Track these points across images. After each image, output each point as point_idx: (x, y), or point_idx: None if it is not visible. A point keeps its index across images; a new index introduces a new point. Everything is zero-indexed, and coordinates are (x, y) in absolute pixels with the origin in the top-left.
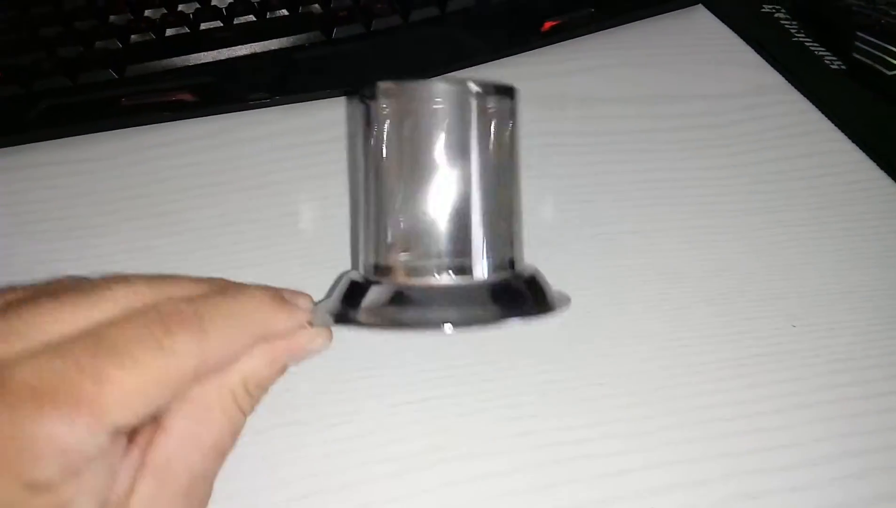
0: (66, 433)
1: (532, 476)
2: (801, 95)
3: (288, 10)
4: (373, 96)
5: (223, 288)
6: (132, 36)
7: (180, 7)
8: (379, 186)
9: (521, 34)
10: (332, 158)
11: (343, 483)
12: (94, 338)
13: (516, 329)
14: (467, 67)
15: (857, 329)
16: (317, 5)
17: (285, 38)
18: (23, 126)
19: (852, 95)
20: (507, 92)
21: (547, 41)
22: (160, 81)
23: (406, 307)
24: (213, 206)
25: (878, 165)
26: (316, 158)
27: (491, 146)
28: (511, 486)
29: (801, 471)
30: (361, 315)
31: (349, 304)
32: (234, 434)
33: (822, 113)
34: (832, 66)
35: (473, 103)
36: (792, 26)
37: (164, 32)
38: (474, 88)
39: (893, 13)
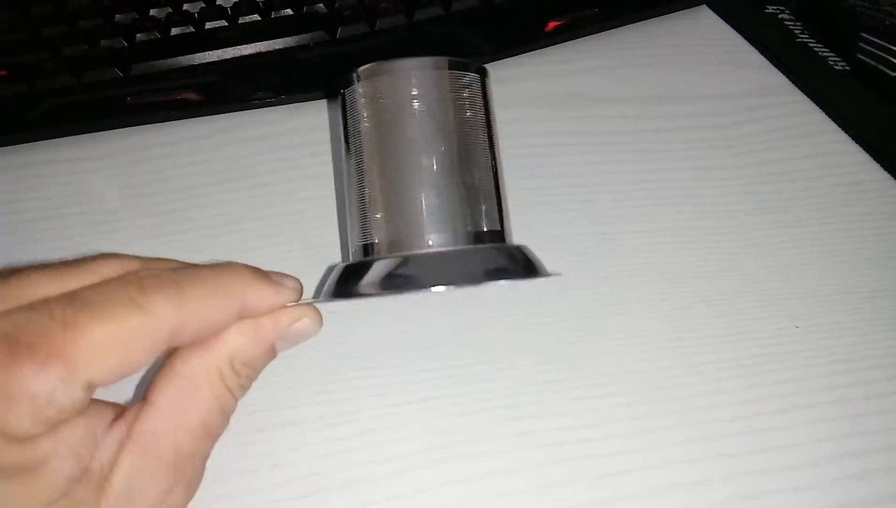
0: (39, 382)
1: (532, 476)
2: (805, 96)
3: (292, 10)
4: (348, 83)
5: (208, 265)
6: (137, 35)
7: (185, 6)
8: (360, 170)
9: (525, 34)
10: (336, 157)
11: (343, 482)
12: (71, 295)
13: (505, 290)
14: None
15: (859, 330)
16: (321, 5)
17: (290, 38)
18: (27, 125)
19: (856, 96)
20: (477, 70)
21: (551, 41)
22: (165, 80)
23: (396, 276)
24: (218, 204)
25: (882, 165)
26: (320, 158)
27: (465, 122)
28: (511, 486)
29: (802, 472)
30: (353, 289)
31: (341, 284)
32: (223, 413)
33: (826, 114)
34: (836, 66)
35: (445, 79)
36: (796, 27)
37: (170, 31)
38: (444, 63)
39: None
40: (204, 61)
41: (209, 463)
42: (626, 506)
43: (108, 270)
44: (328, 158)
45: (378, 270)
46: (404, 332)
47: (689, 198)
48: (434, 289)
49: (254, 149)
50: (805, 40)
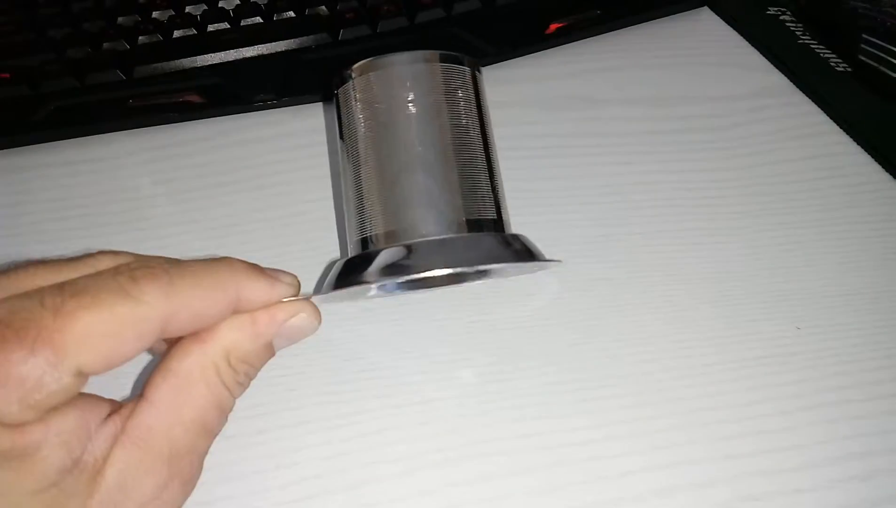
0: (27, 366)
1: (535, 478)
2: (806, 97)
3: (295, 12)
4: (341, 81)
5: (203, 259)
6: (140, 37)
7: (188, 9)
8: (356, 166)
9: (527, 36)
10: (333, 159)
11: (347, 484)
12: (63, 284)
13: (507, 287)
14: None
15: (862, 332)
16: (323, 7)
17: (292, 40)
18: (30, 127)
19: (857, 98)
20: (468, 63)
21: (552, 43)
22: (167, 83)
23: (396, 264)
24: (220, 206)
25: (883, 167)
26: (321, 159)
27: (457, 113)
28: (514, 487)
29: (804, 473)
30: (354, 279)
31: (342, 278)
32: (220, 409)
33: (828, 115)
34: (837, 68)
35: (436, 72)
36: (797, 28)
37: (172, 34)
38: (435, 56)
39: None
40: (206, 64)
41: (211, 464)
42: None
43: (103, 264)
44: (329, 159)
45: (378, 260)
46: (407, 334)
47: (692, 200)
48: (434, 273)
49: (255, 151)
50: (806, 42)
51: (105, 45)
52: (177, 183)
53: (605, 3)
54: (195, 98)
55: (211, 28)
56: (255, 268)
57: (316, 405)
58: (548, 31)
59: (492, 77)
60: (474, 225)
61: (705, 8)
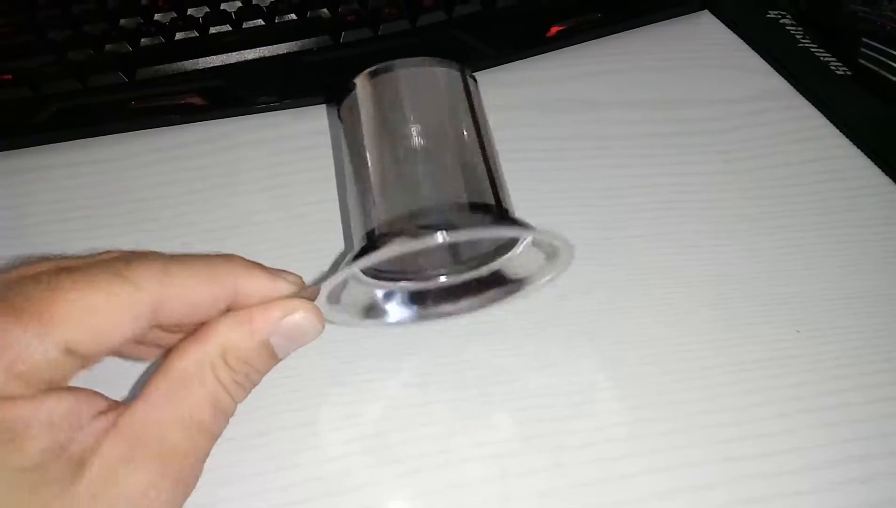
0: (13, 336)
1: (536, 480)
2: (806, 101)
3: (296, 15)
4: (346, 91)
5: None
6: (142, 39)
7: (190, 11)
8: (361, 165)
9: (528, 39)
10: (337, 161)
11: (348, 487)
12: (62, 267)
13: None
14: (474, 71)
15: (861, 335)
16: (325, 10)
17: (294, 43)
18: (32, 128)
19: (857, 101)
20: (459, 68)
21: (553, 46)
22: (169, 85)
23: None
24: (222, 208)
25: (883, 170)
26: (324, 162)
27: (452, 111)
28: (516, 489)
29: (803, 476)
30: (355, 262)
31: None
32: (216, 409)
33: (828, 118)
34: (837, 71)
35: (429, 76)
36: (797, 32)
37: (174, 36)
38: (428, 62)
39: None
40: (208, 66)
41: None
42: None
43: (106, 257)
44: (331, 162)
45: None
46: (408, 336)
47: (692, 202)
48: (442, 237)
49: (257, 153)
50: (806, 45)
51: (107, 47)
52: (178, 185)
53: (606, 6)
54: (197, 100)
55: (213, 30)
56: (256, 264)
57: (317, 407)
58: (548, 34)
59: (492, 80)
60: (478, 209)
61: (705, 11)
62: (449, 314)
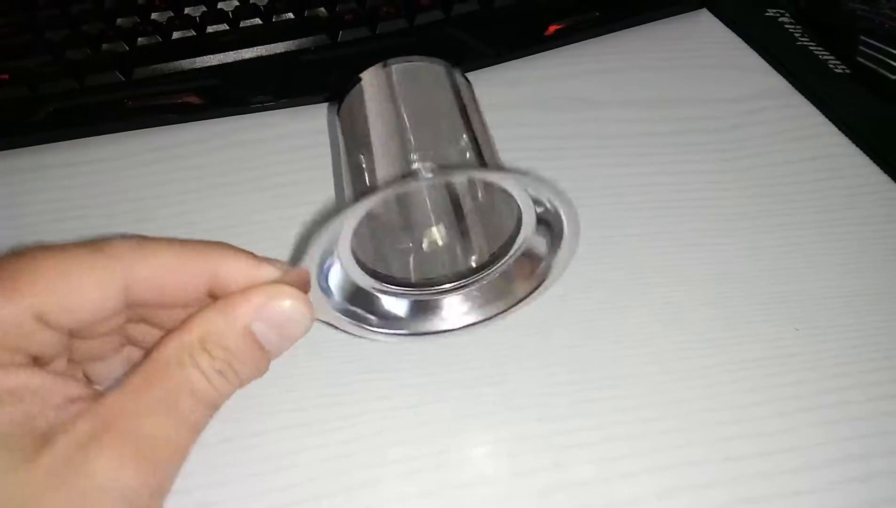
0: None
1: (535, 480)
2: (805, 99)
3: (293, 14)
4: (343, 94)
5: None
6: (139, 39)
7: (187, 10)
8: (357, 152)
9: (526, 37)
10: (335, 161)
11: (346, 487)
12: (47, 245)
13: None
14: (472, 70)
15: (861, 333)
16: (322, 9)
17: (291, 42)
18: (29, 128)
19: (856, 99)
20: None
21: (551, 45)
22: (166, 84)
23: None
24: (219, 208)
25: (882, 168)
26: (321, 161)
27: (442, 101)
28: (514, 489)
29: (803, 475)
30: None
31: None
32: (194, 397)
33: (826, 117)
34: (836, 69)
35: (417, 71)
36: (796, 30)
37: (171, 35)
38: (416, 59)
39: None
40: (205, 65)
41: (209, 466)
42: None
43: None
44: (328, 161)
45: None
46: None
47: (691, 201)
48: (428, 174)
49: (254, 152)
50: (805, 43)
51: (104, 46)
52: (176, 184)
53: (604, 4)
54: (194, 99)
55: (210, 29)
56: (242, 249)
57: (315, 407)
58: (546, 33)
59: (490, 79)
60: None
61: (704, 10)
62: (446, 330)
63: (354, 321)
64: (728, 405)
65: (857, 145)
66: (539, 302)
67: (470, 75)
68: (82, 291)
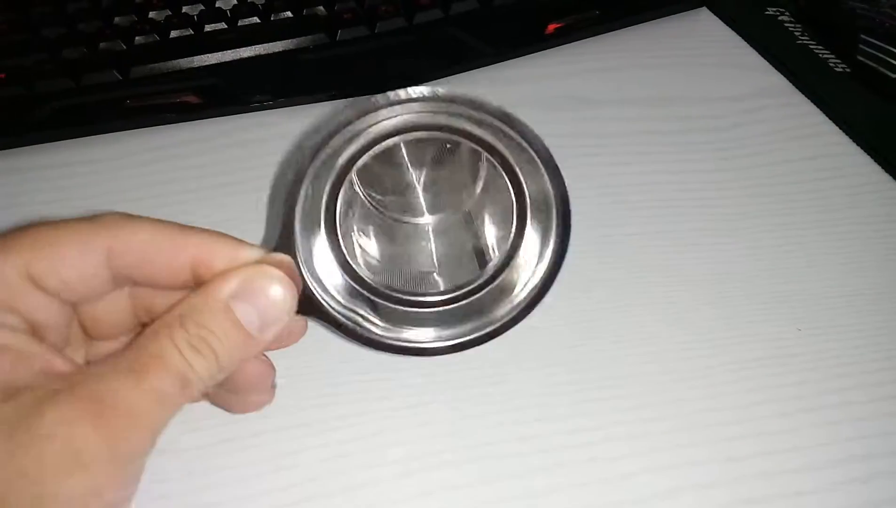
0: None
1: (535, 480)
2: (805, 98)
3: (292, 13)
4: None
5: None
6: (136, 38)
7: (184, 9)
8: None
9: (525, 36)
10: None
11: (345, 487)
12: None
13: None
14: (471, 69)
15: (863, 333)
16: (321, 7)
17: (290, 41)
18: (26, 127)
19: (856, 98)
20: None
21: (551, 43)
22: (164, 83)
23: None
24: (217, 208)
25: (883, 167)
26: None
27: None
28: (514, 490)
29: (805, 475)
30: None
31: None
32: (168, 371)
33: (827, 116)
34: (836, 68)
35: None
36: (796, 29)
37: (169, 34)
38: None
39: None
40: (203, 64)
41: (210, 467)
42: None
43: None
44: None
45: None
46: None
47: (691, 200)
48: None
49: (254, 152)
50: (805, 42)
51: (101, 45)
52: (175, 184)
53: (604, 3)
54: (192, 99)
55: (208, 28)
56: (224, 233)
57: (315, 407)
58: (546, 32)
59: (490, 77)
60: None
61: (704, 8)
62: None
63: (348, 321)
64: (730, 405)
65: (858, 144)
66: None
67: (469, 74)
68: (68, 252)
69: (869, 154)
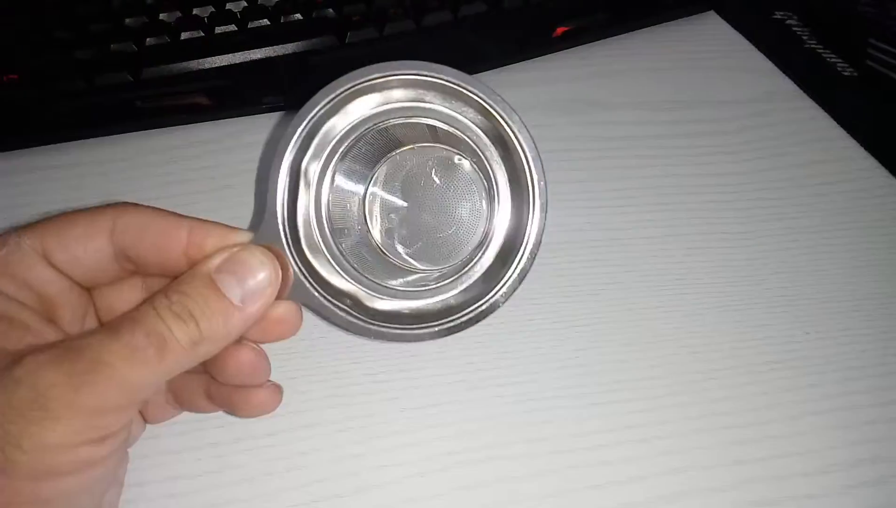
0: (4, 238)
1: (545, 482)
2: (813, 102)
3: (302, 15)
4: None
5: None
6: (147, 39)
7: (195, 11)
8: None
9: (534, 39)
10: None
11: (356, 487)
12: None
13: None
14: (479, 71)
15: (871, 336)
16: (330, 10)
17: (299, 43)
18: (39, 128)
19: (864, 102)
20: None
21: (559, 46)
22: (175, 84)
23: None
24: (229, 208)
25: (891, 171)
26: None
27: None
28: (524, 491)
29: (814, 479)
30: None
31: None
32: (148, 334)
33: (834, 119)
34: (844, 72)
35: None
36: (804, 33)
37: (180, 36)
38: None
39: None
40: (214, 66)
41: (221, 466)
42: None
43: None
44: None
45: None
46: None
47: (699, 203)
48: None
49: (263, 153)
50: (813, 46)
51: (113, 46)
52: (186, 185)
53: (612, 7)
54: (203, 100)
55: (218, 30)
56: (217, 222)
57: (326, 408)
58: (554, 35)
59: (498, 81)
60: None
61: (712, 12)
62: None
63: (336, 307)
64: (738, 408)
65: (865, 148)
66: (548, 305)
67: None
68: (76, 230)
69: (877, 158)
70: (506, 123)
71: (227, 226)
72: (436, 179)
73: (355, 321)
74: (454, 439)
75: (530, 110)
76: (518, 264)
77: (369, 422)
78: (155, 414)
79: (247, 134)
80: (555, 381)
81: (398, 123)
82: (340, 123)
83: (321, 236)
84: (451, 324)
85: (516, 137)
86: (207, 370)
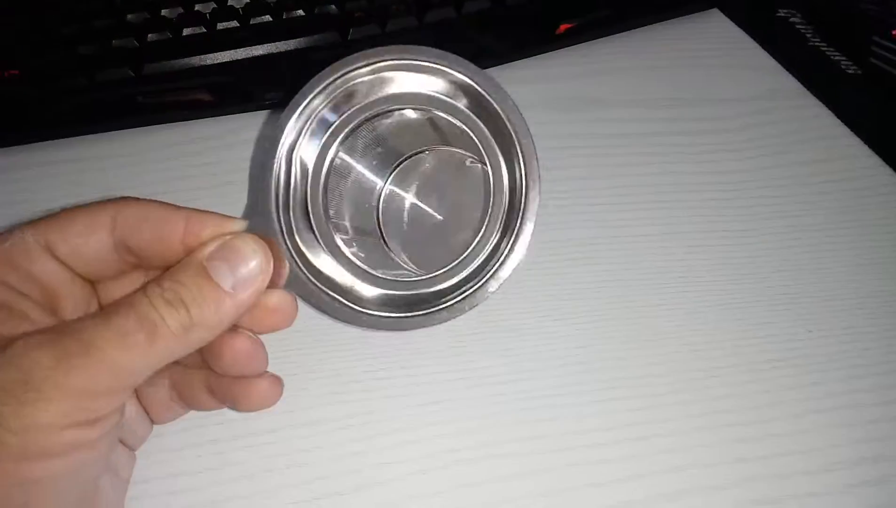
0: (10, 231)
1: (546, 480)
2: (817, 100)
3: (304, 11)
4: None
5: None
6: (149, 35)
7: (197, 7)
8: None
9: (536, 36)
10: None
11: (357, 485)
12: None
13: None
14: (482, 68)
15: (874, 335)
16: (333, 6)
17: (301, 39)
18: (40, 124)
19: (868, 100)
20: None
21: (562, 43)
22: (177, 80)
23: None
24: (228, 204)
25: (894, 169)
26: None
27: None
28: (525, 489)
29: (816, 477)
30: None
31: None
32: (140, 320)
33: (838, 117)
34: (848, 70)
35: None
36: (807, 31)
37: (181, 32)
38: None
39: None
40: (216, 62)
41: (222, 463)
42: None
43: None
44: None
45: None
46: (416, 335)
47: (702, 201)
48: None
49: (265, 149)
50: (817, 44)
51: (114, 42)
52: (187, 181)
53: (615, 4)
54: (205, 96)
55: (220, 26)
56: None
57: (327, 405)
58: (557, 32)
59: (500, 77)
60: None
61: (715, 9)
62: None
63: (330, 297)
64: (740, 406)
65: (869, 146)
66: (548, 303)
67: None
68: (77, 222)
69: (880, 156)
70: (507, 122)
71: (223, 215)
72: (443, 180)
73: (347, 309)
74: (455, 436)
75: (531, 108)
76: (511, 249)
77: (370, 419)
78: (161, 414)
79: (248, 130)
80: (555, 379)
81: (394, 111)
82: (336, 110)
83: (317, 225)
84: (443, 307)
85: (517, 139)
86: (205, 360)
